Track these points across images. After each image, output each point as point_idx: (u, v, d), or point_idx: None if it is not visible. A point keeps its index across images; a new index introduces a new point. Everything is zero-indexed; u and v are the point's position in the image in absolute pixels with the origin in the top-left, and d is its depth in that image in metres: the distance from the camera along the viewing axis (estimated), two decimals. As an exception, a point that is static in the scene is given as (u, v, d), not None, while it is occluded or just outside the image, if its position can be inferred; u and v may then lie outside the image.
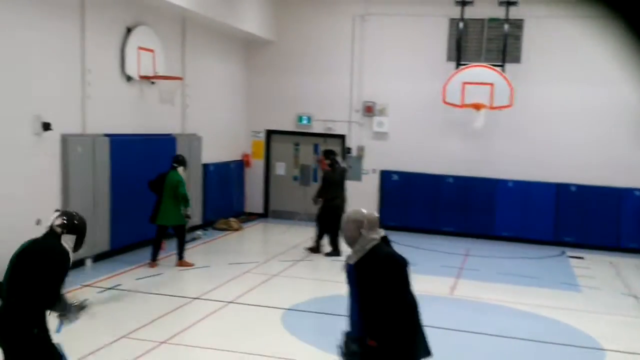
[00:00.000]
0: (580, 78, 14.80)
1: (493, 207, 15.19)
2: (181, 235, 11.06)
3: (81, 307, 4.94)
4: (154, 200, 11.00)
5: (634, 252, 14.36)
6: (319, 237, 12.62)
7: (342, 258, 12.18)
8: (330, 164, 12.55)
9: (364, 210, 4.57)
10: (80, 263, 10.29)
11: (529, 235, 14.99)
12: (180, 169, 11.00)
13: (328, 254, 12.43)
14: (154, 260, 10.92)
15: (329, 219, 12.19)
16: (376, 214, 4.59)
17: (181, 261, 11.03)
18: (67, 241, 4.88)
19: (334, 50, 16.04)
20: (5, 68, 8.81)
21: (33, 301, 4.66)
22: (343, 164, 13.04)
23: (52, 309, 4.77)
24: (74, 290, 9.00)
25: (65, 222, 4.91)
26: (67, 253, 4.83)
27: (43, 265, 4.71)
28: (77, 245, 4.97)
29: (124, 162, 11.14)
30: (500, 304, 9.88)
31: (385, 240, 4.54)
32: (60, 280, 4.75)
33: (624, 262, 13.50)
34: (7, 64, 8.84)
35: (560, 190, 14.86)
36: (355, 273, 4.45)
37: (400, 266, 4.42)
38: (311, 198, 12.93)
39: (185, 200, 10.81)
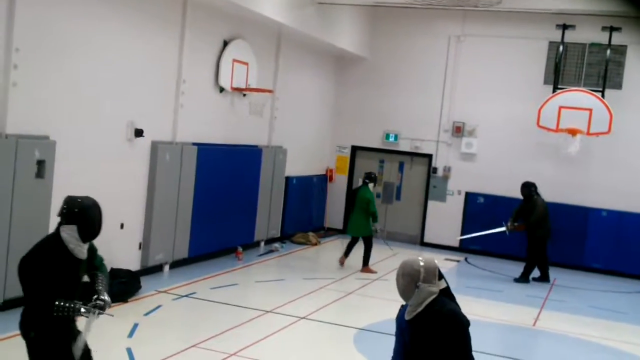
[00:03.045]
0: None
1: (583, 237, 14.64)
2: (368, 244, 12.25)
3: (96, 306, 4.35)
4: (233, 211, 11.61)
5: None
6: (532, 268, 13.00)
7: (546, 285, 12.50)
8: (530, 195, 12.86)
9: (421, 260, 3.99)
10: (158, 269, 10.55)
11: (621, 268, 14.35)
12: (370, 185, 12.25)
13: (517, 280, 12.92)
14: (346, 256, 12.40)
15: (531, 249, 12.87)
16: (435, 262, 4.02)
17: (365, 268, 12.20)
18: (68, 232, 4.39)
19: (427, 70, 15.88)
20: (108, 73, 9.16)
21: (29, 305, 4.42)
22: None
23: (61, 311, 4.27)
24: (149, 295, 9.27)
25: (63, 210, 4.40)
26: (50, 249, 4.35)
27: (28, 267, 4.32)
28: (83, 235, 4.39)
29: (210, 171, 11.36)
30: (584, 338, 9.50)
31: (446, 292, 3.98)
32: (47, 281, 4.24)
33: None
34: (110, 70, 9.19)
35: (657, 223, 14.14)
36: (410, 330, 3.96)
37: (463, 327, 3.89)
38: (513, 227, 13.15)
39: (374, 217, 12.08)
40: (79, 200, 4.43)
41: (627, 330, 10.22)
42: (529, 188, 12.88)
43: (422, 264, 3.94)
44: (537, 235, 12.77)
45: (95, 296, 4.44)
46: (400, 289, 3.98)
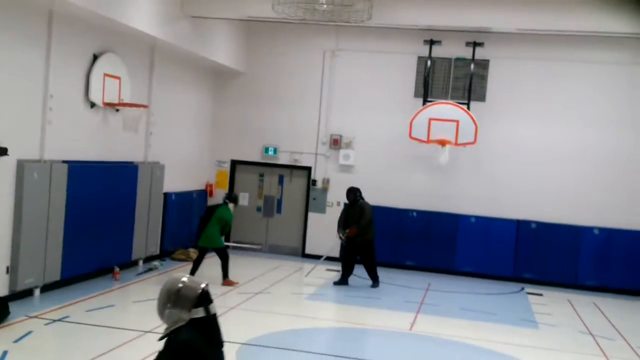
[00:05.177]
0: (542, 117, 15.18)
1: (455, 242, 15.32)
2: (224, 257, 12.25)
3: None
4: (109, 230, 11.23)
5: (591, 289, 14.56)
6: (349, 273, 13.15)
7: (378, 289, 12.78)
8: (356, 200, 13.13)
9: (183, 281, 3.60)
10: (28, 293, 10.03)
11: (489, 271, 15.13)
12: (231, 205, 12.36)
13: (336, 283, 13.10)
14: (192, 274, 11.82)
15: (364, 253, 13.04)
16: (198, 288, 3.59)
17: (226, 280, 12.20)
18: None
19: (303, 83, 16.16)
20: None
21: None
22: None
23: None
24: (19, 321, 8.81)
25: None
26: None
27: None
28: None
29: (82, 189, 10.96)
30: (458, 340, 9.89)
31: (204, 323, 3.58)
32: None
33: (582, 300, 13.66)
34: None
35: (521, 227, 15.06)
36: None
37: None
38: (339, 233, 13.20)
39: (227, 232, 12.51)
40: None
41: (496, 329, 10.74)
42: (354, 193, 13.21)
43: (180, 286, 3.58)
44: (368, 239, 13.03)
45: None
46: (156, 306, 3.68)
